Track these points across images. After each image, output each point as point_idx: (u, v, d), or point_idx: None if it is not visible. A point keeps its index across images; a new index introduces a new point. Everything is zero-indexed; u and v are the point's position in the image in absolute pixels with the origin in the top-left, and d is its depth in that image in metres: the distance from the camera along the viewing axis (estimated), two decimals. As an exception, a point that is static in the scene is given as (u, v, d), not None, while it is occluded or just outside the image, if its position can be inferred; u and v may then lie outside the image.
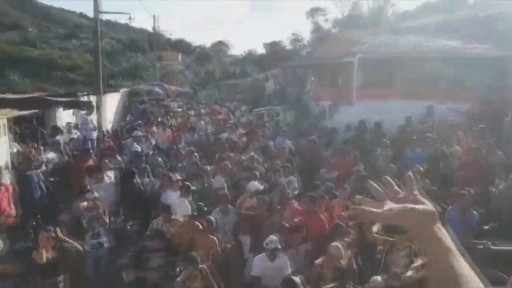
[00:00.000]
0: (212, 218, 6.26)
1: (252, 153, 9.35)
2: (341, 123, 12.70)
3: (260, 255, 5.55)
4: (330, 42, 20.55)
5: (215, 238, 5.98)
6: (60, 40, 61.55)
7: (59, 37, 63.58)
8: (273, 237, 5.45)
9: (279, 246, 5.40)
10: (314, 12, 48.37)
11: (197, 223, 6.09)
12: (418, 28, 20.45)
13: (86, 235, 6.25)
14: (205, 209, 6.59)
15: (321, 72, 17.53)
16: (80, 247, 5.74)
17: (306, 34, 50.23)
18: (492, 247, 5.96)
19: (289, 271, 5.36)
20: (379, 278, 5.10)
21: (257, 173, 8.10)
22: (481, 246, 5.94)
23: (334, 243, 5.34)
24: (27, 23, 72.38)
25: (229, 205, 6.95)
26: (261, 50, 53.54)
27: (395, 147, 10.14)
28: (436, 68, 13.95)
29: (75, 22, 78.69)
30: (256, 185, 7.62)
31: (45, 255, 5.20)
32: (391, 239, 5.62)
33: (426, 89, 13.75)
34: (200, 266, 5.15)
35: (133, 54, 50.23)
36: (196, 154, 9.25)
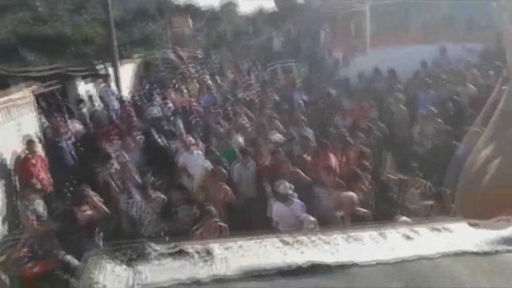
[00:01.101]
0: (222, 169, 6.74)
1: (270, 111, 9.61)
2: (356, 73, 12.69)
3: (275, 204, 5.92)
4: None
5: (227, 188, 6.46)
6: (70, 14, 61.64)
7: (69, 12, 63.67)
8: (285, 183, 5.77)
9: (291, 191, 5.73)
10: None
11: (210, 174, 6.57)
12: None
13: (120, 195, 6.74)
14: (224, 164, 6.99)
15: (333, 23, 17.29)
16: (106, 210, 6.17)
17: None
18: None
19: (304, 214, 5.63)
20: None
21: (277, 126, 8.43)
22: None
23: (348, 194, 5.57)
24: (36, 1, 72.66)
25: (249, 158, 7.21)
26: (272, 6, 52.32)
27: (410, 92, 10.21)
28: (449, 9, 13.62)
29: (83, -5, 78.05)
30: (277, 136, 7.93)
31: (85, 213, 5.71)
32: (403, 177, 5.91)
33: (440, 31, 13.49)
34: (219, 223, 5.45)
35: (144, 23, 50.00)
36: (216, 112, 9.53)
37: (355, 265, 1.42)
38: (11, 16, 59.22)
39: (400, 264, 1.43)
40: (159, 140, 8.49)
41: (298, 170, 6.66)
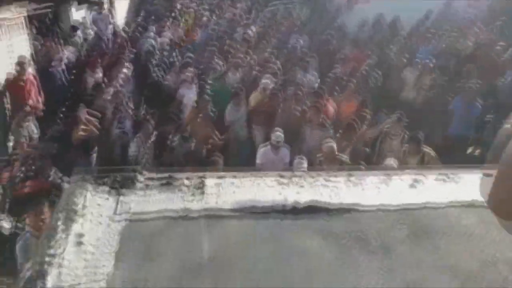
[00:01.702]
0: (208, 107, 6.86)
1: (268, 51, 9.46)
2: (358, 19, 12.39)
3: (265, 148, 5.99)
4: None
5: (210, 129, 6.65)
6: None
7: None
8: (279, 133, 5.85)
9: (282, 140, 5.83)
10: None
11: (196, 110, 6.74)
12: None
13: (111, 124, 6.77)
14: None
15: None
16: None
17: None
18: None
19: (288, 159, 5.87)
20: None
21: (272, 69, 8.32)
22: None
23: (328, 144, 5.65)
24: None
25: (242, 97, 7.21)
26: None
27: (411, 42, 10.10)
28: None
29: None
30: (269, 80, 7.87)
31: (81, 133, 5.78)
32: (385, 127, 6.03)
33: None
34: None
35: None
36: (211, 49, 9.36)
37: (355, 209, 1.37)
38: None
39: (403, 211, 1.38)
40: (153, 74, 8.40)
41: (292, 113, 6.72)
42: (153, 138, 6.43)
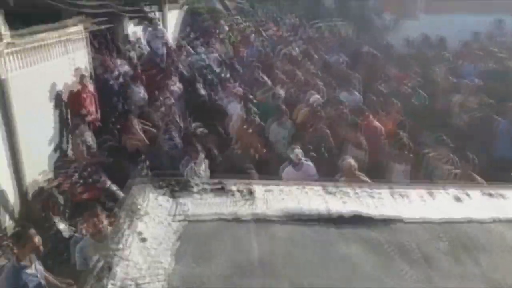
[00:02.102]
0: (257, 119, 6.98)
1: (311, 67, 9.57)
2: (404, 37, 12.31)
3: (287, 167, 5.83)
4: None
5: (258, 139, 6.77)
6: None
7: None
8: (298, 150, 5.74)
9: (302, 159, 5.70)
10: None
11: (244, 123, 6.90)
12: None
13: (162, 137, 7.10)
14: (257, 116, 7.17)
15: (386, -16, 16.55)
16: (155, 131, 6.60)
17: None
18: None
19: (315, 176, 5.74)
20: None
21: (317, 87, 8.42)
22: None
23: (347, 160, 5.46)
24: None
25: (286, 117, 7.21)
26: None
27: (458, 62, 9.90)
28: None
29: None
30: (314, 97, 7.96)
31: (134, 141, 6.14)
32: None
33: (499, 1, 12.72)
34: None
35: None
36: (256, 65, 9.61)
37: (399, 220, 1.40)
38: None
39: (447, 224, 1.39)
40: (201, 90, 8.76)
41: (327, 131, 6.75)
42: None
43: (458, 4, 12.88)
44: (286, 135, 7.11)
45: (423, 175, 6.02)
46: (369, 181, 5.21)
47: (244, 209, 1.45)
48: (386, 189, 1.51)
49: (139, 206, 1.46)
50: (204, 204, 1.48)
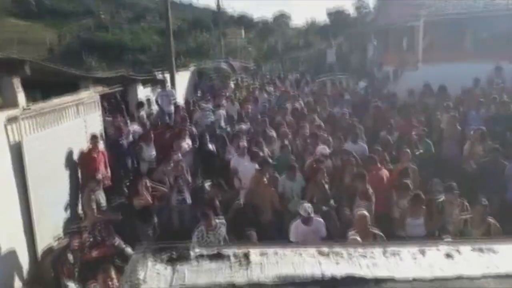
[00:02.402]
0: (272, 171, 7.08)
1: (318, 121, 9.80)
2: (406, 88, 12.66)
3: (296, 222, 5.75)
4: (395, 7, 20.00)
5: (274, 190, 6.82)
6: (130, 23, 65.05)
7: (129, 20, 67.16)
8: (306, 205, 5.66)
9: (311, 214, 5.60)
10: (379, -25, 46.52)
11: (261, 176, 6.91)
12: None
13: (172, 191, 7.22)
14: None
15: (386, 37, 17.27)
16: (166, 190, 6.72)
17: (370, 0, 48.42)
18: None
19: (324, 232, 5.74)
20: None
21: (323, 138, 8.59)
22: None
23: (360, 212, 5.43)
24: (100, 9, 77.14)
25: (295, 171, 7.17)
26: (324, 19, 52.58)
27: (460, 109, 10.09)
28: (507, 27, 13.29)
29: (143, 5, 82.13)
30: (322, 148, 8.03)
31: (142, 201, 6.24)
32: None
33: (496, 49, 13.17)
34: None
35: (198, 33, 51.75)
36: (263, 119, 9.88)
37: (392, 280, 1.42)
38: (75, 23, 63.15)
39: (439, 281, 1.41)
40: (210, 146, 9.00)
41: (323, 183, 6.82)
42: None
43: (455, 54, 13.34)
44: (295, 189, 7.12)
45: (436, 224, 5.99)
46: (381, 234, 5.25)
47: (239, 275, 1.48)
48: (378, 248, 1.55)
49: (138, 275, 1.51)
50: (200, 271, 1.51)
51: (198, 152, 9.04)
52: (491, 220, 5.34)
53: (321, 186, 6.82)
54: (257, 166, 7.44)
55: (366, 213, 5.41)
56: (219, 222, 5.79)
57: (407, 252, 1.53)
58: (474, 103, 10.05)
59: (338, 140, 8.42)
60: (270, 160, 7.70)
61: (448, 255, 1.50)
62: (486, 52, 13.07)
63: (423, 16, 14.02)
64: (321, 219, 5.85)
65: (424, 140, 8.52)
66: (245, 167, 7.81)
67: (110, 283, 4.08)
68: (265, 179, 7.00)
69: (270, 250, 1.56)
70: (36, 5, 67.29)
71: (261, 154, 7.96)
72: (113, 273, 4.15)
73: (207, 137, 9.25)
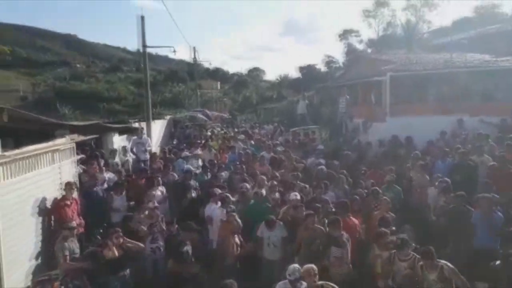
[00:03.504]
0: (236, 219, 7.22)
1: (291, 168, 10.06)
2: (374, 139, 13.22)
3: (282, 283, 5.42)
4: (363, 62, 21.20)
5: (238, 239, 6.99)
6: (105, 73, 65.78)
7: (105, 71, 67.91)
8: (295, 267, 5.42)
9: (299, 276, 5.30)
10: (347, 33, 49.39)
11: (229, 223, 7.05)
12: (453, 44, 20.74)
13: (146, 239, 7.15)
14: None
15: (354, 91, 18.12)
16: (142, 245, 6.68)
17: (339, 56, 51.05)
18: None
19: None
20: None
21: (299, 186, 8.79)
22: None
23: (307, 265, 5.39)
24: (75, 60, 77.92)
25: (273, 221, 7.18)
26: (296, 74, 54.80)
27: (427, 159, 10.59)
28: (467, 82, 14.27)
29: (119, 56, 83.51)
30: (294, 195, 8.18)
31: (114, 251, 6.15)
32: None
33: (458, 103, 14.05)
34: None
35: (174, 84, 52.73)
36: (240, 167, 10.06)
37: None
38: (50, 72, 63.13)
39: None
40: (193, 192, 9.06)
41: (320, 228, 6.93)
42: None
43: (421, 108, 14.13)
44: (272, 238, 7.11)
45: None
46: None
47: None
48: None
49: None
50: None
51: (176, 199, 9.04)
52: (442, 262, 5.53)
53: (311, 230, 6.87)
54: (223, 212, 7.59)
55: (312, 266, 5.39)
56: None
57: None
58: (440, 153, 10.58)
59: (320, 190, 8.57)
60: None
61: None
62: (447, 106, 13.89)
63: (388, 71, 14.89)
64: (305, 283, 5.41)
65: (393, 186, 8.85)
66: (216, 214, 7.90)
67: None
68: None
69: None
70: (12, 54, 67.56)
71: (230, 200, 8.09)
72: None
73: (191, 183, 9.35)
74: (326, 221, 6.98)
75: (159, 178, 9.31)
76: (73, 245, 6.48)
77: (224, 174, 10.35)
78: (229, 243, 7.10)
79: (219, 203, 8.13)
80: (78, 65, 71.02)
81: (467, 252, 6.95)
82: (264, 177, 9.25)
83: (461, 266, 5.77)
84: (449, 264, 5.53)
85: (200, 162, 11.88)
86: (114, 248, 6.23)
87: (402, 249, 6.01)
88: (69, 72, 61.98)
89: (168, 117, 21.55)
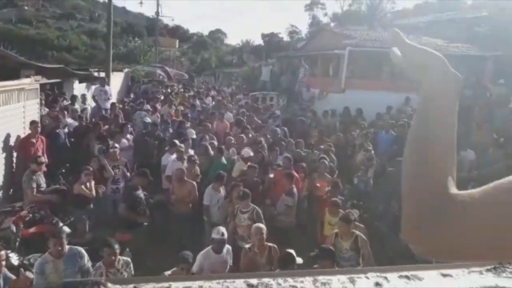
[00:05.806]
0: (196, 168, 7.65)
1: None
2: (328, 109, 14.04)
3: (203, 251, 5.39)
4: (325, 35, 21.81)
5: (194, 183, 7.27)
6: (57, 20, 61.95)
7: (56, 16, 63.91)
8: (221, 228, 5.46)
9: (225, 237, 5.40)
10: (314, 5, 49.81)
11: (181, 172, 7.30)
12: (411, 26, 21.71)
13: (107, 181, 7.51)
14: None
15: (314, 62, 18.79)
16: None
17: (303, 27, 51.49)
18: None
19: (231, 262, 5.54)
20: None
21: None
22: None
23: (257, 225, 5.50)
24: (23, 1, 72.54)
25: (221, 186, 7.17)
26: (258, 41, 54.77)
27: (372, 130, 11.56)
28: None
29: (72, 2, 78.65)
30: (245, 152, 8.40)
31: (82, 188, 6.53)
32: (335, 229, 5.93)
33: (407, 82, 15.02)
34: None
35: (130, 38, 50.82)
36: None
37: None
38: (-6, 13, 57.82)
39: None
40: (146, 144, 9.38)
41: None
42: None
43: (374, 83, 15.04)
44: (221, 199, 7.13)
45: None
46: (276, 248, 5.34)
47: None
48: (309, 277, 1.53)
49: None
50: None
51: (137, 149, 9.36)
52: (357, 232, 5.62)
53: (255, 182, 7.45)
54: (184, 164, 7.78)
55: (262, 226, 5.49)
56: (124, 261, 4.94)
57: (337, 280, 1.52)
58: (385, 125, 11.56)
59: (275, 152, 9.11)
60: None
61: (377, 284, 1.52)
62: (398, 84, 14.90)
63: (348, 45, 15.62)
64: (229, 246, 5.59)
65: (329, 154, 9.33)
66: (172, 164, 8.00)
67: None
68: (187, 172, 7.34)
69: (195, 284, 1.47)
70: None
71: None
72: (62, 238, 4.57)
73: (146, 136, 9.64)
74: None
75: (129, 126, 9.57)
76: (40, 179, 6.74)
77: (189, 132, 10.52)
78: (183, 188, 7.18)
79: (175, 154, 8.27)
80: (26, 8, 66.32)
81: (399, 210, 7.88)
82: (231, 138, 9.64)
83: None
84: (362, 235, 5.62)
85: (159, 115, 12.11)
86: (84, 186, 6.59)
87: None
88: (16, 14, 57.84)
89: (126, 70, 21.23)
